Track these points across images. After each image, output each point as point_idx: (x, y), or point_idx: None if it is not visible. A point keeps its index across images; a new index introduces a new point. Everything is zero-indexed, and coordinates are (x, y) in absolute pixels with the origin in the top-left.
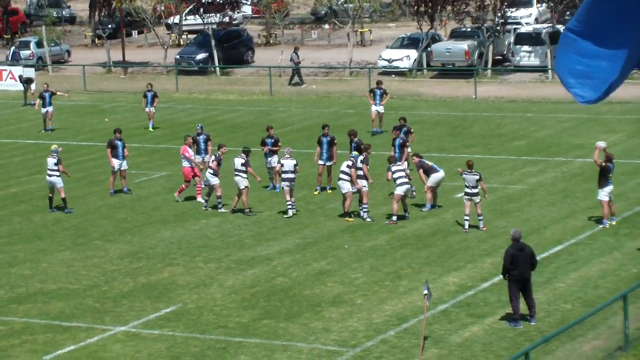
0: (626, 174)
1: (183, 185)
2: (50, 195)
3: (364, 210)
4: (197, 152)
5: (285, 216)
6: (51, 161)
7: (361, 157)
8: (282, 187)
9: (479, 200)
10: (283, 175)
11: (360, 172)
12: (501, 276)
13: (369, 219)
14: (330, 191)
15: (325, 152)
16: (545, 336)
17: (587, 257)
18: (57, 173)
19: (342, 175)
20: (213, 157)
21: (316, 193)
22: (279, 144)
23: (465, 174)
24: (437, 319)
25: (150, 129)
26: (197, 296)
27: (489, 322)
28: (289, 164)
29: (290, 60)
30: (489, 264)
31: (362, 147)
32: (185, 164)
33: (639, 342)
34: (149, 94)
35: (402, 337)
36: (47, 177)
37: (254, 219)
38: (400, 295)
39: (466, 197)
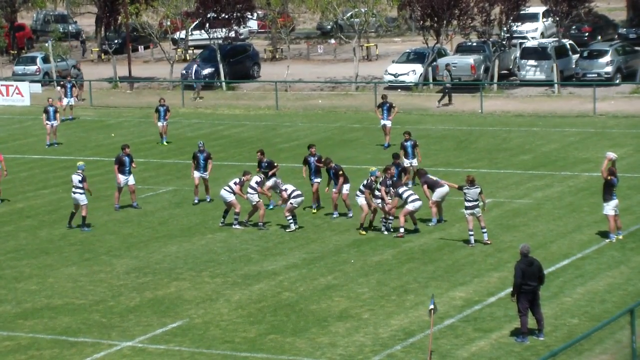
0: (633, 188)
1: None
2: (74, 211)
3: (383, 222)
4: (196, 169)
5: (287, 230)
6: (76, 178)
7: (380, 179)
8: (291, 204)
9: (480, 213)
10: (294, 194)
11: (378, 193)
12: (508, 290)
13: (386, 232)
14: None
15: (315, 171)
16: (552, 351)
17: (593, 272)
18: (81, 191)
19: (358, 192)
20: (237, 180)
21: (314, 212)
22: (275, 164)
23: (467, 189)
24: (444, 333)
25: (164, 143)
26: (204, 311)
27: (496, 337)
28: (291, 187)
29: (444, 78)
30: (495, 278)
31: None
32: None
33: None
34: (162, 109)
35: (408, 352)
36: (72, 194)
37: (260, 233)
38: (407, 309)
39: (467, 211)
